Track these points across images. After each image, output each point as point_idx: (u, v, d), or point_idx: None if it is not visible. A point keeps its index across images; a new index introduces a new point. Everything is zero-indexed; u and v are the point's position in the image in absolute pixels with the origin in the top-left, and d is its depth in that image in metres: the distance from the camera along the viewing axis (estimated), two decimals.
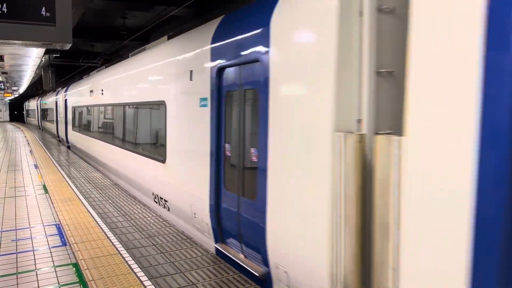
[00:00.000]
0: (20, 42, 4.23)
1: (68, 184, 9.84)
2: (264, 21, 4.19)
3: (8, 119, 60.58)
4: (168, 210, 6.98)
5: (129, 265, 4.82)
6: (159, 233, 6.05)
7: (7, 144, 20.94)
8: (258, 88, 4.32)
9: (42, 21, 4.12)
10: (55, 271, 4.69)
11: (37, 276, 4.55)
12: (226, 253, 5.06)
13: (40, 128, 38.17)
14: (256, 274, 4.41)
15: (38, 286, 4.31)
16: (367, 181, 3.10)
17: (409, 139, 2.65)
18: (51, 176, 10.93)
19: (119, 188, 9.42)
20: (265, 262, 4.30)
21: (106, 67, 14.29)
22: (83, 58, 21.43)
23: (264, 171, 4.14)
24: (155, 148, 7.67)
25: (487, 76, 2.22)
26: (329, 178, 3.28)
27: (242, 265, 4.71)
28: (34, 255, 5.19)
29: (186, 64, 6.08)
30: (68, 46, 4.59)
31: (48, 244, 5.58)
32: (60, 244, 5.60)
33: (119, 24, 14.76)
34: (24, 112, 59.53)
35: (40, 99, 36.22)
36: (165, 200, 7.04)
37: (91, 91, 13.70)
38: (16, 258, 5.09)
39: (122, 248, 5.38)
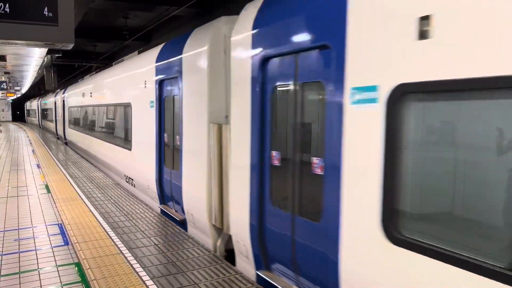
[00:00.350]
0: (23, 42, 4.24)
1: (70, 183, 9.87)
2: (180, 51, 6.32)
3: (10, 119, 60.72)
4: (134, 186, 9.18)
5: (131, 265, 4.83)
6: (160, 232, 6.07)
7: (10, 144, 21.01)
8: (179, 95, 6.40)
9: (44, 21, 4.13)
10: (57, 271, 4.71)
11: (39, 276, 4.57)
12: (165, 211, 7.15)
13: (40, 127, 38.46)
14: (177, 219, 6.60)
15: (41, 286, 4.33)
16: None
17: (231, 126, 4.77)
18: (54, 176, 10.96)
19: (121, 188, 9.45)
20: (183, 211, 6.43)
21: (96, 72, 16.06)
22: (86, 58, 21.46)
23: (181, 149, 6.30)
24: (125, 139, 9.88)
25: (252, 97, 4.35)
26: (206, 151, 5.45)
27: (172, 216, 6.78)
28: (36, 254, 5.21)
29: (143, 75, 8.25)
30: (70, 46, 4.61)
31: (51, 244, 5.60)
32: (62, 243, 5.62)
33: (121, 24, 14.78)
34: (25, 111, 59.90)
35: (40, 100, 36.72)
36: (132, 179, 9.25)
37: (83, 94, 15.73)
38: (19, 257, 5.11)
39: (124, 248, 5.39)
